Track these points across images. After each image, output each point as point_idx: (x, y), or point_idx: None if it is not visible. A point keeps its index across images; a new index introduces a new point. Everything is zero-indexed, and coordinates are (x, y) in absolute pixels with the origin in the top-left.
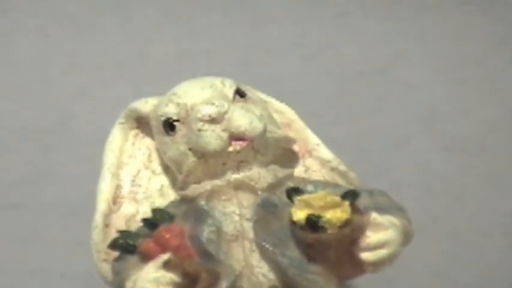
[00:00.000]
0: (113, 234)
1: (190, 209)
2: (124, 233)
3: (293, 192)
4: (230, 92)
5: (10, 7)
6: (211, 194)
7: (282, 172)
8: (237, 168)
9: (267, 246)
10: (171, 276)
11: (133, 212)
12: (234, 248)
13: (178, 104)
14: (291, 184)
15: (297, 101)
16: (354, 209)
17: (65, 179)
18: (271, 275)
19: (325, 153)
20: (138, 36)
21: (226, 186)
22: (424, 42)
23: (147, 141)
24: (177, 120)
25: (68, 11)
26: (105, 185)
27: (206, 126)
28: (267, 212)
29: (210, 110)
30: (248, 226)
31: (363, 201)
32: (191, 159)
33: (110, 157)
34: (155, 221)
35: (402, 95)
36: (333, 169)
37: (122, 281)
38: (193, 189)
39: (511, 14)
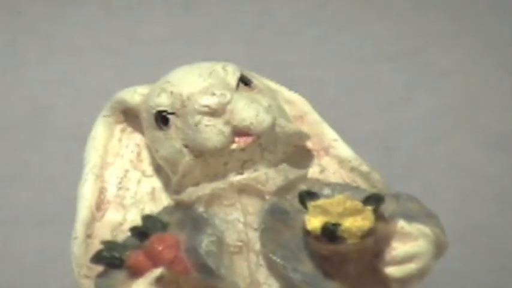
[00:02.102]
0: (96, 246)
1: (187, 216)
2: (109, 245)
3: (307, 196)
4: (233, 80)
5: None
6: (211, 199)
7: (293, 173)
8: (241, 168)
9: (276, 259)
10: None
11: (120, 220)
12: (238, 261)
13: (172, 94)
14: (304, 187)
15: (311, 90)
16: (378, 216)
17: (39, 182)
18: None
19: (344, 150)
20: (124, 14)
21: (228, 190)
22: (459, 22)
23: (136, 137)
24: (171, 113)
25: None
26: (87, 188)
27: (205, 119)
28: (276, 219)
29: (209, 101)
30: (254, 236)
31: (388, 207)
32: (187, 158)
33: (92, 156)
34: (146, 230)
35: (434, 82)
36: (353, 169)
37: None
38: (190, 193)
39: None
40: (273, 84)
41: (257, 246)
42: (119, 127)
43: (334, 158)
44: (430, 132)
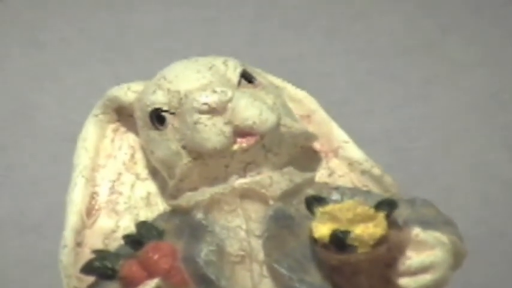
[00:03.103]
0: (87, 255)
1: (185, 223)
2: (101, 254)
3: (314, 201)
4: (235, 76)
5: None
6: (211, 204)
7: (299, 176)
8: (243, 171)
9: (282, 270)
10: None
11: (112, 227)
12: (240, 272)
13: (168, 91)
14: (311, 191)
15: (319, 87)
16: (391, 222)
17: (23, 186)
18: None
19: (355, 152)
20: (116, 2)
21: (229, 195)
22: (479, 13)
23: (130, 138)
24: (168, 111)
25: None
26: (77, 193)
27: (204, 118)
28: (281, 226)
29: (209, 98)
30: (257, 244)
31: (402, 213)
32: (185, 160)
33: (82, 158)
34: (140, 238)
35: (453, 78)
36: (364, 172)
37: None
38: (188, 198)
39: None
40: (277, 81)
41: (260, 255)
42: (111, 127)
43: (344, 160)
44: (448, 131)
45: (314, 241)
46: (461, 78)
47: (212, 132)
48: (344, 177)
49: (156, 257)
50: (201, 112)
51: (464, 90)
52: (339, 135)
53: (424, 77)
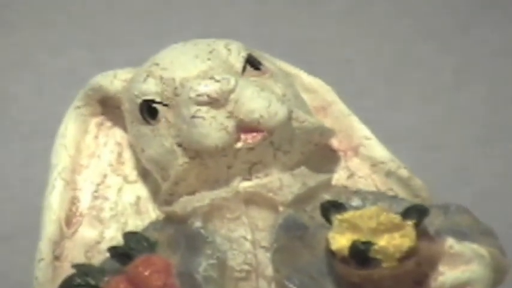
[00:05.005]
0: (67, 271)
1: (180, 232)
2: (83, 269)
3: (331, 208)
4: (238, 61)
5: None
6: (211, 211)
7: (314, 179)
8: (249, 173)
9: (293, 287)
10: None
11: (96, 238)
12: None
13: (162, 79)
14: (327, 196)
15: (337, 75)
16: (421, 232)
17: None
18: None
19: (378, 150)
20: None
21: (232, 200)
22: None
23: (117, 134)
24: (161, 103)
25: None
26: (55, 198)
27: (203, 111)
28: (292, 237)
29: (208, 88)
30: (265, 258)
31: (433, 222)
32: (181, 159)
33: (61, 157)
34: (128, 250)
35: (489, 66)
36: (389, 174)
37: None
38: (184, 204)
39: None
40: (288, 67)
41: (268, 270)
42: (95, 121)
43: (366, 160)
44: (485, 128)
45: (331, 254)
46: (500, 66)
47: (212, 127)
48: (366, 179)
49: (147, 272)
50: (200, 104)
51: (504, 80)
52: (360, 130)
53: (458, 64)
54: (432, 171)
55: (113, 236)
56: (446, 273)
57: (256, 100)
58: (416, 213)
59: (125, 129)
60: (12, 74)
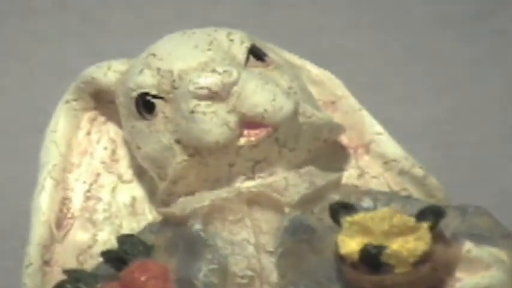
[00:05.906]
0: (57, 276)
1: (179, 235)
2: (74, 274)
3: (340, 209)
4: (241, 52)
5: None
6: (212, 213)
7: (322, 178)
8: (252, 171)
9: None
10: None
11: (88, 241)
12: None
13: (159, 71)
14: (336, 197)
15: (346, 66)
16: (436, 235)
17: None
18: None
19: (391, 147)
20: None
21: (234, 201)
22: None
23: (111, 130)
24: (158, 97)
25: None
26: (44, 198)
27: (203, 105)
28: (298, 240)
29: (209, 80)
30: (269, 263)
31: (450, 224)
32: (180, 157)
33: (52, 154)
34: (123, 254)
35: (511, 56)
36: (402, 173)
37: None
38: (183, 205)
39: None
40: (295, 59)
41: (273, 276)
42: (87, 116)
43: (377, 158)
44: (505, 123)
45: (340, 258)
46: None
47: (213, 122)
48: (378, 178)
49: (143, 278)
50: (199, 97)
51: None
52: (371, 126)
53: (476, 55)
54: (449, 169)
55: (107, 239)
56: (464, 279)
57: (260, 93)
58: (431, 214)
59: (119, 124)
60: (1, 66)
